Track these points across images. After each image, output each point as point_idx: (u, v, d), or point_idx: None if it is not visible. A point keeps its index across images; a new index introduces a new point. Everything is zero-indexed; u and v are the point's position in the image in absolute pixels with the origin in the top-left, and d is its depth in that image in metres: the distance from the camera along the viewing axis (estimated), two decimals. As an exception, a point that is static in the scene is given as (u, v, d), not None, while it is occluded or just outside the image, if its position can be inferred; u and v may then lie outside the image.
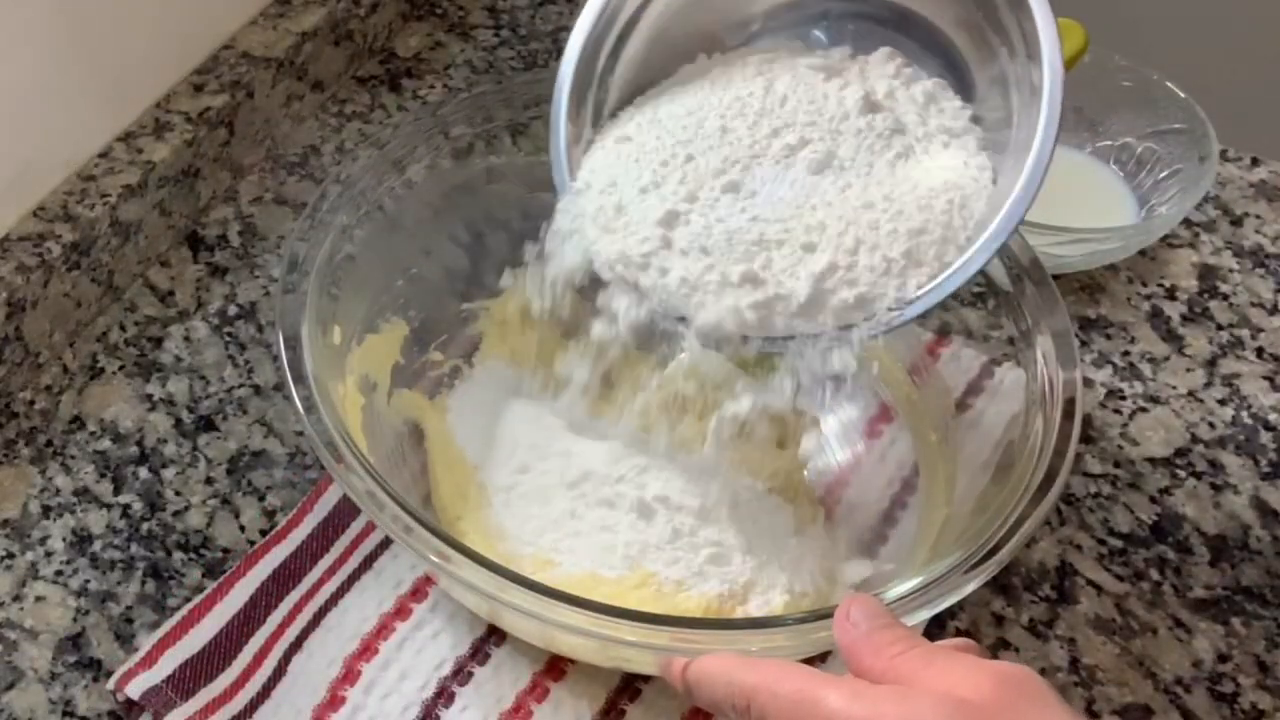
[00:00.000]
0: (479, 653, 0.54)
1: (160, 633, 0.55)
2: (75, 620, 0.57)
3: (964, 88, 0.52)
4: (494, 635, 0.55)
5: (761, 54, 0.54)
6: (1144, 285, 0.72)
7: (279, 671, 0.54)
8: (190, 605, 0.56)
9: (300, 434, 0.64)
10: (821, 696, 0.37)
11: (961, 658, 0.38)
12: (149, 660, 0.54)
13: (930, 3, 0.52)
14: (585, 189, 0.52)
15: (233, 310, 0.70)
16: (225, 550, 0.60)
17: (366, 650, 0.54)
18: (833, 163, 0.50)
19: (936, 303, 0.48)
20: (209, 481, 0.62)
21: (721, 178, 0.50)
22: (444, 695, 0.53)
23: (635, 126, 0.53)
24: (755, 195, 0.50)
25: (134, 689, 0.53)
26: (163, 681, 0.53)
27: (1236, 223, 0.76)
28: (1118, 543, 0.61)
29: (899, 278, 0.48)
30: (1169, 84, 0.73)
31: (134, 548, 0.60)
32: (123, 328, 0.69)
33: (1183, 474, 0.64)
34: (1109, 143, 0.75)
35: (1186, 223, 0.75)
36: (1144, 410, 0.67)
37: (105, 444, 0.64)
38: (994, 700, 0.36)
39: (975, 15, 0.50)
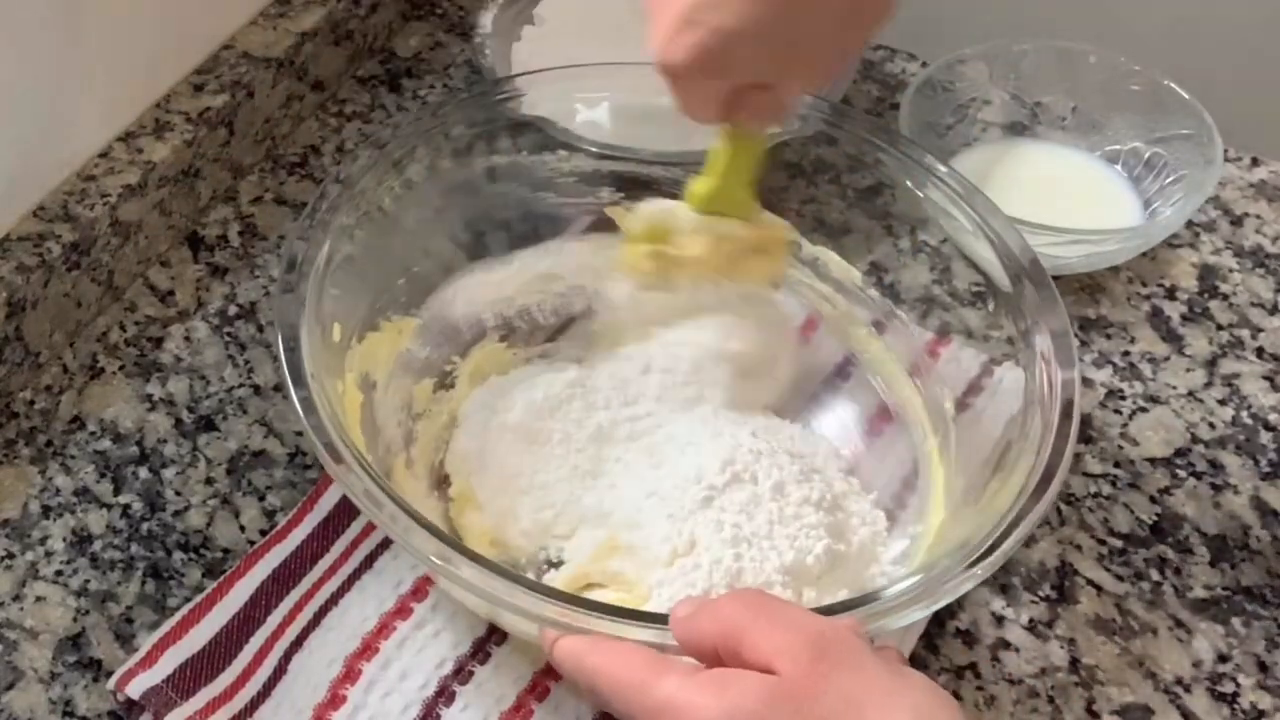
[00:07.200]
0: (480, 651, 0.54)
1: (160, 633, 0.55)
2: (75, 620, 0.57)
3: None
4: (495, 634, 0.55)
5: None
6: (1144, 285, 0.72)
7: (279, 671, 0.54)
8: (190, 605, 0.56)
9: (300, 434, 0.64)
10: (652, 683, 0.39)
11: (781, 618, 0.39)
12: (149, 660, 0.54)
13: None
14: None
15: (233, 310, 0.70)
16: (225, 550, 0.60)
17: (367, 649, 0.54)
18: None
19: None
20: (209, 481, 0.62)
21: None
22: (445, 694, 0.53)
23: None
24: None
25: (134, 689, 0.53)
26: (163, 681, 0.53)
27: (1236, 223, 0.76)
28: (1118, 543, 0.61)
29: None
30: (1175, 88, 0.74)
31: (134, 548, 0.60)
32: (123, 328, 0.69)
33: (1183, 474, 0.64)
34: (1116, 146, 0.75)
35: (1187, 223, 0.75)
36: (1144, 410, 0.66)
37: (105, 444, 0.64)
38: (808, 673, 0.37)
39: None
